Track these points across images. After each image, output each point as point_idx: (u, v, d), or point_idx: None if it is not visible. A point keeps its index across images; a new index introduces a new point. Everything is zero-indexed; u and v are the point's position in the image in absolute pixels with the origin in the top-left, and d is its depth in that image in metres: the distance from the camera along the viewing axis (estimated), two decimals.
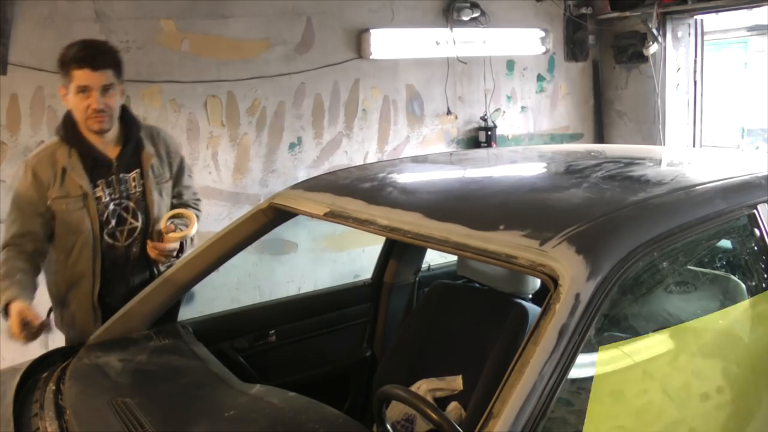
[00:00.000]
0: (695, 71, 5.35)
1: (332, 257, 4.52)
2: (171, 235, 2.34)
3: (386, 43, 4.54)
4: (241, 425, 1.63)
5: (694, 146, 5.41)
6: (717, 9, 4.98)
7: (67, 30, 3.55)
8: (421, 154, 4.63)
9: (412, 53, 4.68)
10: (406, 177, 2.29)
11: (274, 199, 2.18)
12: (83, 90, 2.23)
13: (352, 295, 2.77)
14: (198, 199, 2.62)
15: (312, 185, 2.18)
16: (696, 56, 5.34)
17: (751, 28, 6.00)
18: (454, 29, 4.74)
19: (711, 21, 5.43)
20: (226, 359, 2.15)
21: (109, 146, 2.36)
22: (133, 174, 2.38)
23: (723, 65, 6.29)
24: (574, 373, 1.32)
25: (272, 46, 4.22)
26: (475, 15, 4.79)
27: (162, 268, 2.45)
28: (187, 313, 2.39)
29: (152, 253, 2.38)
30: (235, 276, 4.13)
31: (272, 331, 2.52)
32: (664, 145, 5.14)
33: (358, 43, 4.51)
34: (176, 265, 2.26)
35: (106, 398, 1.76)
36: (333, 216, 1.90)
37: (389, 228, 1.72)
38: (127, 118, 2.40)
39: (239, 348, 2.39)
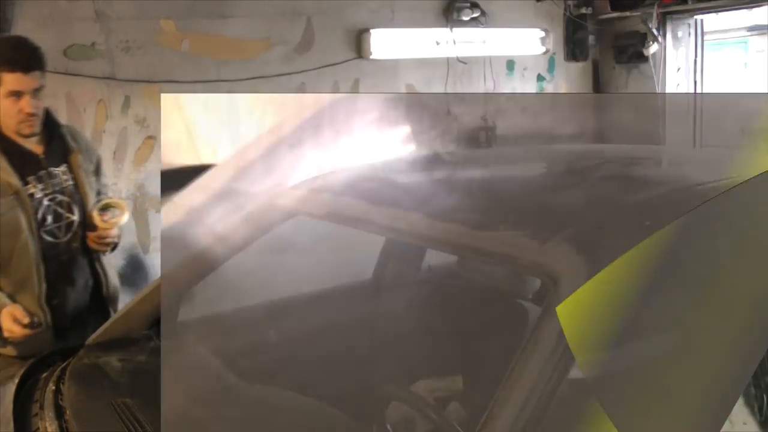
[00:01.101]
0: (695, 71, 5.35)
1: (332, 257, 4.50)
2: (106, 221, 2.34)
3: (386, 43, 4.54)
4: (241, 425, 1.63)
5: (694, 146, 5.40)
6: (717, 9, 4.98)
7: (67, 30, 3.55)
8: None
9: (412, 53, 4.68)
10: (407, 177, 2.29)
11: (274, 199, 2.18)
12: (15, 94, 2.16)
13: (352, 295, 2.76)
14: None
15: (312, 185, 2.18)
16: (696, 56, 5.34)
17: (751, 28, 6.00)
18: (454, 29, 4.74)
19: (711, 21, 5.43)
20: (224, 360, 2.14)
21: (33, 144, 2.31)
22: (62, 167, 2.35)
23: (723, 65, 6.29)
24: (574, 373, 1.32)
25: (272, 46, 4.22)
26: (475, 15, 4.79)
27: (104, 264, 2.45)
28: (187, 313, 2.39)
29: (92, 244, 2.37)
30: (235, 276, 4.12)
31: (272, 332, 2.51)
32: (664, 144, 5.14)
33: (358, 43, 4.51)
34: (176, 265, 2.25)
35: (106, 398, 1.76)
36: (333, 216, 1.89)
37: (389, 228, 1.72)
38: (48, 115, 2.36)
39: (238, 348, 2.39)
